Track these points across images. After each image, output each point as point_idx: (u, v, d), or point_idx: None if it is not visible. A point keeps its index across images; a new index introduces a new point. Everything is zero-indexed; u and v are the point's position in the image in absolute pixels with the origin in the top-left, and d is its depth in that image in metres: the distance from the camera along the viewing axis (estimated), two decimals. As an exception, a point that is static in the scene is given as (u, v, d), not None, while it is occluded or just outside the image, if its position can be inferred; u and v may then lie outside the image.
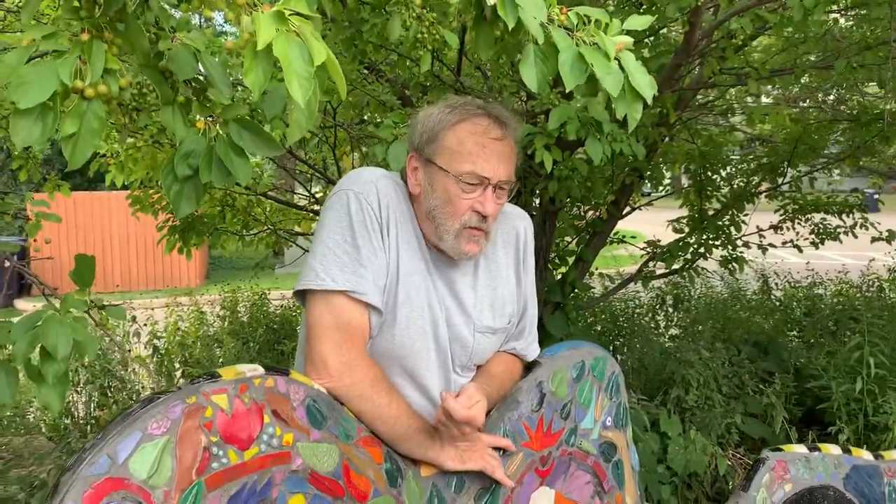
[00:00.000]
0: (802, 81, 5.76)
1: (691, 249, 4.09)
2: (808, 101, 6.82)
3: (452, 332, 1.57)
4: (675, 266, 4.16)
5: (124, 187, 4.54)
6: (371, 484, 1.37)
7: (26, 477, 2.80)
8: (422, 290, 1.53)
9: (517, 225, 1.72)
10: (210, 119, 1.06)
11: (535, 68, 1.23)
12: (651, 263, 4.19)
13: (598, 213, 4.00)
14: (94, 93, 0.97)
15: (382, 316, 1.49)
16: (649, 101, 1.24)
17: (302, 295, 1.50)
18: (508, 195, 1.55)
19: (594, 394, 1.79)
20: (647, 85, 1.23)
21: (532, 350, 1.76)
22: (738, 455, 3.83)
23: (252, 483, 1.20)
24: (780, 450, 2.24)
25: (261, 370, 1.26)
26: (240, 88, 2.56)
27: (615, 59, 1.23)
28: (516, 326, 1.71)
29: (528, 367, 1.74)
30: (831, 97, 6.71)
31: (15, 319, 1.45)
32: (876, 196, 7.21)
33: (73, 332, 1.38)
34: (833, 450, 2.31)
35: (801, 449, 2.27)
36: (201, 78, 1.11)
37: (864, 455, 2.34)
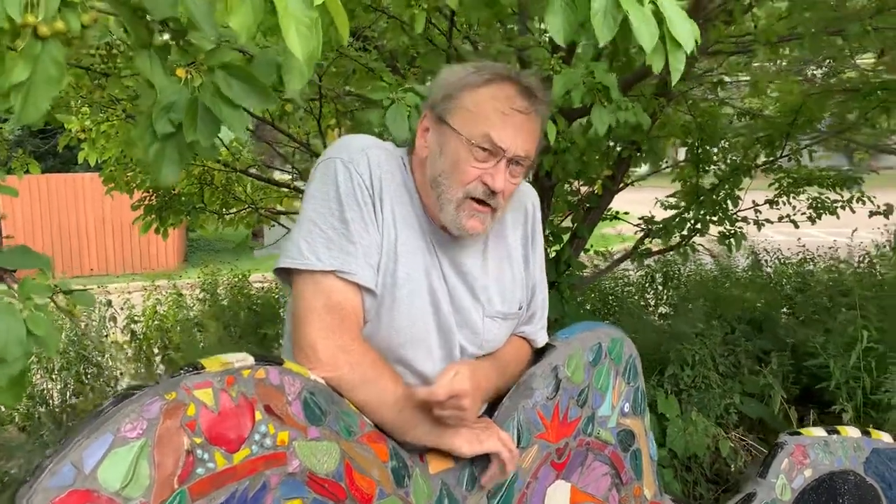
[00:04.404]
0: (793, 53, 5.63)
1: (688, 225, 3.96)
2: (797, 73, 6.69)
3: (461, 316, 1.42)
4: (672, 242, 4.03)
5: (97, 167, 4.33)
6: (376, 485, 1.22)
7: (-6, 473, 2.64)
8: (421, 270, 1.38)
9: (525, 202, 1.57)
10: (192, 67, 0.90)
11: (562, 16, 1.07)
12: (647, 240, 4.07)
13: (592, 188, 3.87)
14: (50, 30, 0.80)
15: (377, 298, 1.34)
16: (688, 52, 1.09)
17: (285, 273, 1.34)
18: (524, 175, 1.39)
19: (611, 378, 1.66)
20: (688, 33, 1.08)
21: (541, 337, 1.61)
22: (738, 435, 3.74)
23: (243, 490, 1.04)
24: (799, 433, 2.14)
25: (250, 360, 1.10)
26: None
27: (651, 1, 1.08)
28: (526, 311, 1.57)
29: (541, 351, 1.61)
30: (817, 70, 6.58)
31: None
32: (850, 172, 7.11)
33: (31, 326, 1.21)
34: (852, 432, 2.20)
35: (819, 432, 2.17)
36: (181, 18, 0.94)
37: (884, 437, 2.24)
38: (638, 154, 3.57)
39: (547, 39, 3.27)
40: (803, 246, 6.52)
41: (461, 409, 1.27)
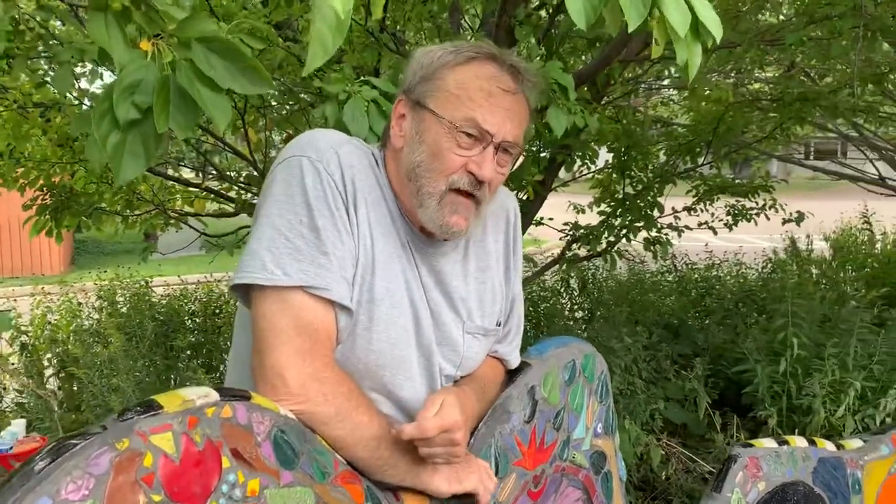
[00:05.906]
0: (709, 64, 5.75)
1: (615, 231, 3.94)
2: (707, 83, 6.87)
3: (441, 332, 1.28)
4: (599, 248, 4.00)
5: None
6: (353, 532, 1.06)
7: None
8: (401, 282, 1.22)
9: (507, 206, 1.44)
10: (159, 38, 0.72)
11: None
12: (575, 245, 4.03)
13: (524, 194, 3.78)
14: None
15: (353, 316, 1.18)
16: (718, 41, 0.99)
17: (243, 289, 1.16)
18: (511, 165, 1.26)
19: (585, 398, 1.55)
20: (715, 22, 0.98)
21: (514, 357, 1.49)
22: (665, 441, 3.74)
23: (209, 553, 0.87)
24: (750, 445, 2.10)
25: (214, 395, 0.92)
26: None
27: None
28: (503, 327, 1.44)
29: (514, 370, 1.48)
30: (725, 81, 6.78)
31: None
32: (738, 181, 7.33)
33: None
34: (800, 442, 2.19)
35: (769, 443, 2.14)
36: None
37: (828, 446, 2.24)
38: (570, 158, 3.51)
39: (482, 36, 3.16)
40: (710, 251, 6.69)
41: (453, 444, 1.13)
